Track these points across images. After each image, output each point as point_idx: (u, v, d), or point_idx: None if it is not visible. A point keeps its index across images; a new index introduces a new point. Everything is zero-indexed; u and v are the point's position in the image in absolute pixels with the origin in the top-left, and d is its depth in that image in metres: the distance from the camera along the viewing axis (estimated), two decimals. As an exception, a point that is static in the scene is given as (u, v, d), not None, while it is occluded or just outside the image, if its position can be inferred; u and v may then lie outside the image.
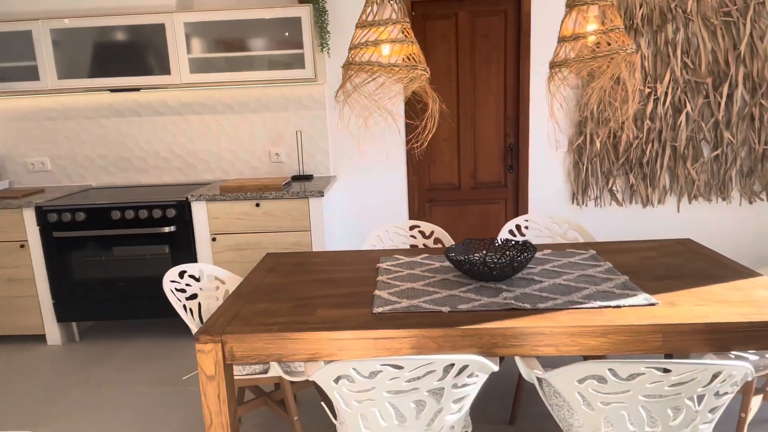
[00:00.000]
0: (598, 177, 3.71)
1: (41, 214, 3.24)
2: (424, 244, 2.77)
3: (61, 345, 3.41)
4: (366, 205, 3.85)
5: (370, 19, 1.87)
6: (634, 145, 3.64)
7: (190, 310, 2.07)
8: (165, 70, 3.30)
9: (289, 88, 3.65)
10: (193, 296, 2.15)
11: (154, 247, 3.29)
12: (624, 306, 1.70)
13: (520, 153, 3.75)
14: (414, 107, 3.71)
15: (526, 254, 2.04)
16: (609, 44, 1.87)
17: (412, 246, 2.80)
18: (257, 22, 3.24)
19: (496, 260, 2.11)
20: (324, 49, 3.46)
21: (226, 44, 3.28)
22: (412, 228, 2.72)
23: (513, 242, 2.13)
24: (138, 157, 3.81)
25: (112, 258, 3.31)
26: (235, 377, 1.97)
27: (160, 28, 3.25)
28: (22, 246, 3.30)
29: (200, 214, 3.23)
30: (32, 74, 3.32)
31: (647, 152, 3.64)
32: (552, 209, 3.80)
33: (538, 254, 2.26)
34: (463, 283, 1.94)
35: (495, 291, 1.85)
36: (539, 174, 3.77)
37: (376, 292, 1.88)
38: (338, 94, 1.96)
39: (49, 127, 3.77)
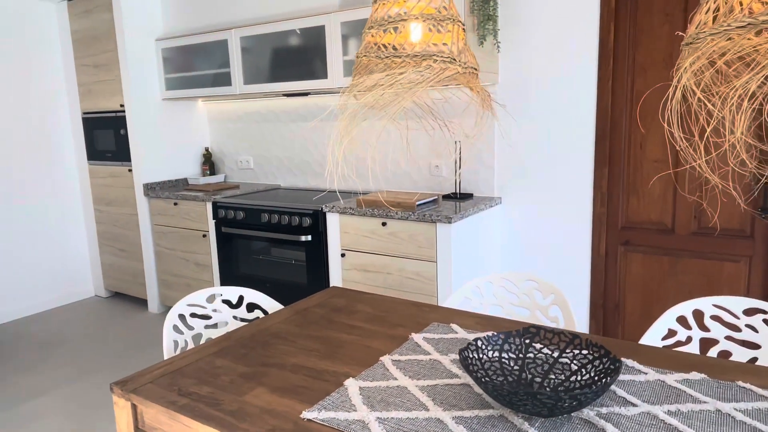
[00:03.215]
0: None
1: (215, 209, 3.52)
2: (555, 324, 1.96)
3: (224, 331, 3.67)
4: (534, 237, 3.04)
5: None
6: None
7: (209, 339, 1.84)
8: (324, 73, 3.18)
9: (453, 90, 3.12)
10: (224, 323, 1.92)
11: (297, 253, 3.22)
12: None
13: (783, 189, 2.41)
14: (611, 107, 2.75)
15: (596, 385, 1.16)
16: None
17: (516, 312, 2.01)
18: (409, 15, 2.82)
19: (526, 381, 1.28)
20: (484, 43, 2.80)
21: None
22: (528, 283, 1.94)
23: (602, 350, 1.25)
24: (316, 161, 3.83)
25: (268, 258, 3.38)
26: None
27: (321, 31, 3.13)
28: (204, 236, 3.65)
29: (333, 226, 3.02)
30: (226, 80, 3.62)
31: None
32: (838, 284, 2.34)
33: (671, 379, 1.29)
34: (482, 405, 1.21)
35: (510, 435, 1.08)
36: (818, 225, 2.36)
37: (348, 382, 1.32)
38: (348, 89, 1.45)
39: (253, 128, 4.10)
